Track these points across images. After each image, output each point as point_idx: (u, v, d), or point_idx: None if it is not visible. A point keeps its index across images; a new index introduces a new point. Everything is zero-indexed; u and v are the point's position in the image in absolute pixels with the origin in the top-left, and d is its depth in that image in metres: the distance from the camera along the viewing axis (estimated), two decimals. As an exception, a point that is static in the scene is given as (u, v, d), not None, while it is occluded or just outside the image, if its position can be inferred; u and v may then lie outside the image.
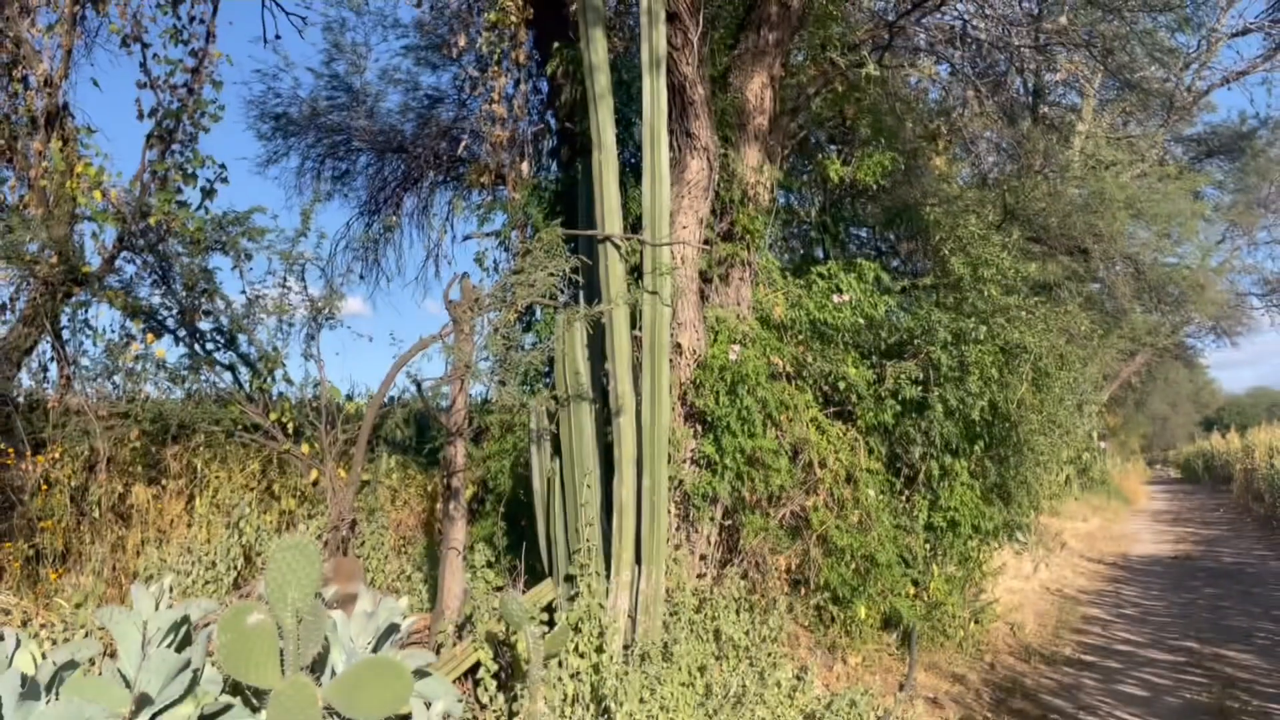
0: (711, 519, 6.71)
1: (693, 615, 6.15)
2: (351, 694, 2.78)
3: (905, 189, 10.03)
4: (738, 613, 6.62)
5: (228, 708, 2.92)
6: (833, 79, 7.79)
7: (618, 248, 5.60)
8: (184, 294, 6.55)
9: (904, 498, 8.14)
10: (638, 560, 5.56)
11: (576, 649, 4.92)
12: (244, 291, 6.65)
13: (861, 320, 7.62)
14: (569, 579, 5.32)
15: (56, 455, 5.92)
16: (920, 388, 7.58)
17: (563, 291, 5.73)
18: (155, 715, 2.80)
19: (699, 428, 6.68)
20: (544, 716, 4.21)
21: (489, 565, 5.05)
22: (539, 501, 5.61)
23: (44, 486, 5.70)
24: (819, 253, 9.13)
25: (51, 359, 6.90)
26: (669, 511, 6.47)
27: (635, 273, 5.94)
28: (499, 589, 5.00)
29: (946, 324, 7.65)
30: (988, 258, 8.29)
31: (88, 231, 7.18)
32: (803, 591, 7.38)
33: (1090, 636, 9.39)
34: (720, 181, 6.98)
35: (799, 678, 6.21)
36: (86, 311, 6.77)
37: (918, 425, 7.78)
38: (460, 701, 4.42)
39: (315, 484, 6.73)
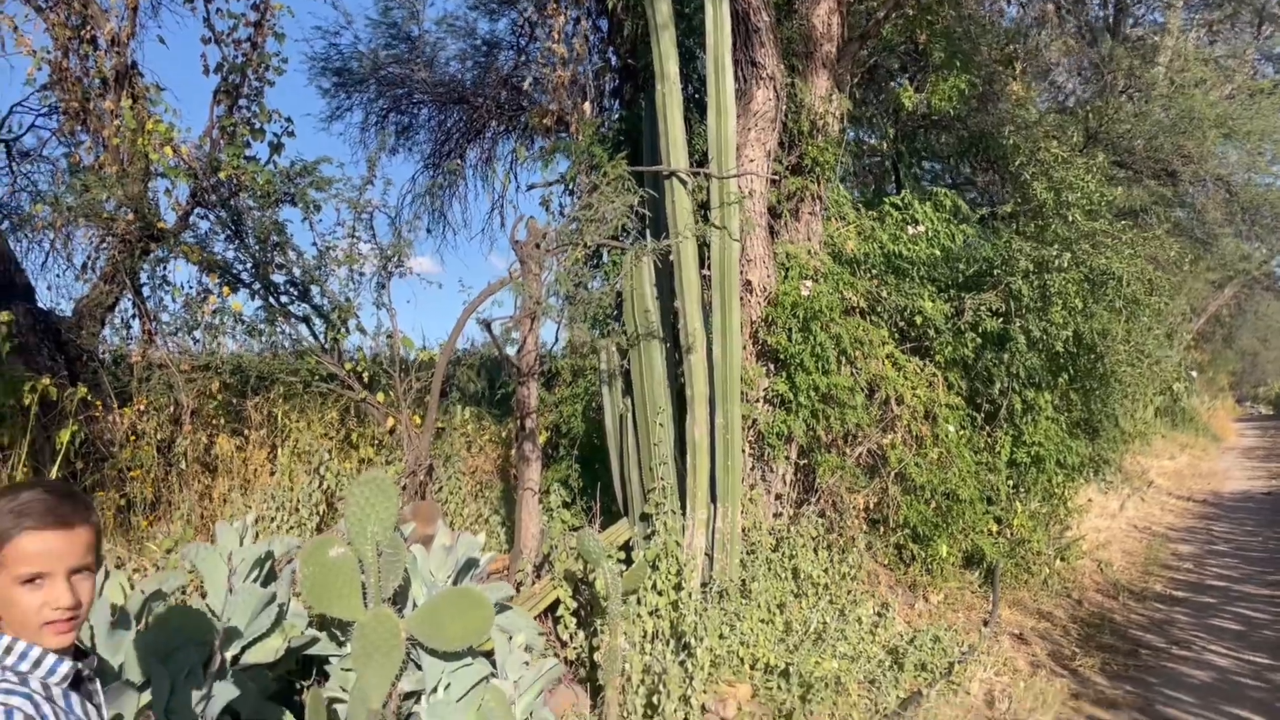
0: (786, 458, 6.62)
1: (769, 554, 6.10)
2: (433, 624, 2.78)
3: (981, 117, 9.66)
4: (815, 551, 6.56)
5: (314, 640, 2.95)
6: (904, 2, 7.48)
7: (684, 183, 5.48)
8: (257, 248, 6.63)
9: (985, 433, 7.93)
10: (713, 499, 5.51)
11: (654, 586, 4.90)
12: (314, 243, 6.70)
13: (938, 252, 7.40)
14: (644, 518, 5.30)
15: (142, 408, 6.06)
16: (1000, 320, 7.34)
17: (629, 231, 5.64)
18: (245, 647, 2.84)
19: (772, 366, 6.57)
20: (625, 651, 4.20)
21: (565, 506, 5.05)
22: (612, 442, 5.58)
23: (132, 438, 5.84)
24: (890, 188, 8.87)
25: (134, 315, 7.05)
26: (743, 450, 6.41)
27: (703, 210, 5.82)
28: (575, 529, 5.00)
29: (1028, 253, 7.37)
30: (1071, 181, 7.94)
31: (161, 188, 7.30)
32: (881, 530, 7.27)
33: (1181, 573, 9.12)
34: (788, 112, 6.78)
35: (880, 614, 6.14)
36: (165, 268, 6.90)
37: (999, 359, 7.56)
38: (541, 636, 4.45)
39: (391, 431, 6.81)
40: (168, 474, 5.82)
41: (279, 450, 6.25)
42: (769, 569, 5.97)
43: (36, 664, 1.49)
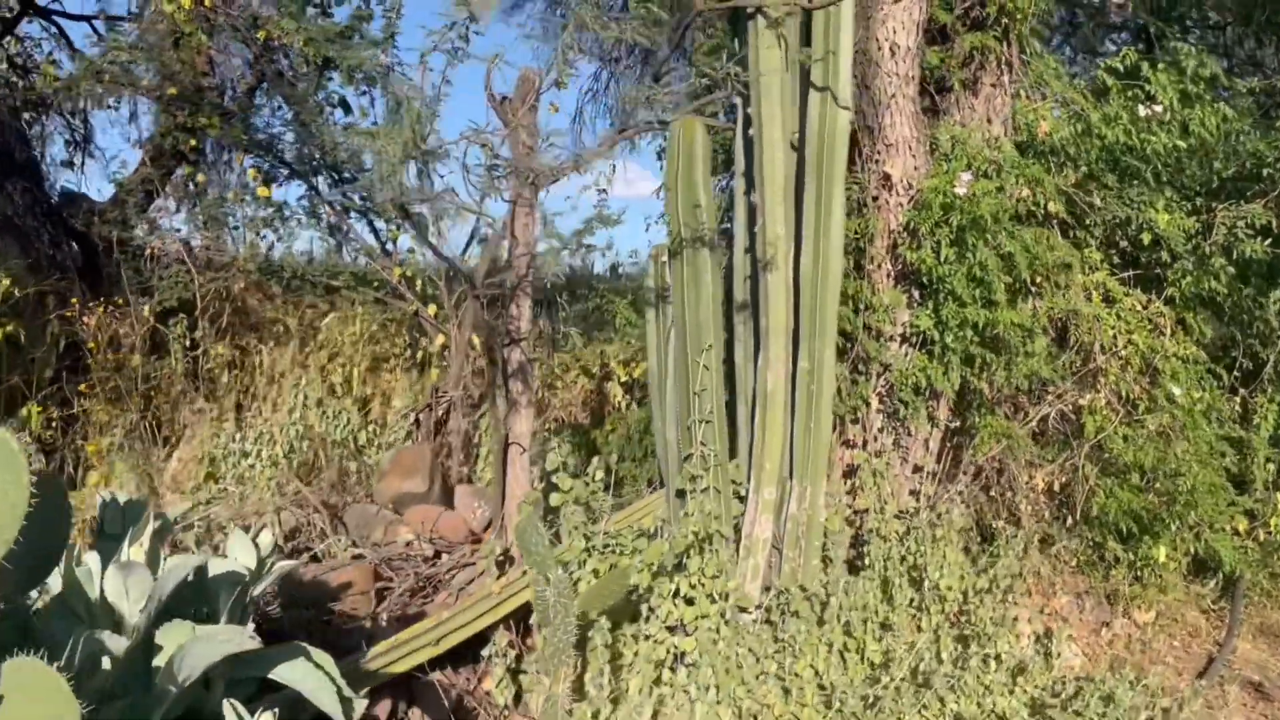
0: (931, 419, 4.90)
1: (890, 548, 4.49)
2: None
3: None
4: (966, 549, 4.87)
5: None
6: None
7: (774, 24, 3.82)
8: (299, 127, 5.58)
9: (1237, 399, 5.78)
10: (790, 473, 3.96)
11: (677, 593, 3.47)
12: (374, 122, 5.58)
13: (1182, 143, 5.26)
14: (680, 494, 3.83)
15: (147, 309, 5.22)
16: (1269, 242, 5.15)
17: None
18: None
19: (916, 293, 4.83)
20: (575, 703, 2.84)
21: (565, 468, 3.66)
22: (653, 389, 4.11)
23: (108, 345, 5.01)
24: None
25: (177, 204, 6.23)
26: (868, 403, 4.77)
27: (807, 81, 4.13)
28: (583, 504, 3.63)
29: (1323, 146, 5.10)
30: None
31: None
32: (1067, 521, 5.40)
33: None
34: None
35: (1041, 646, 4.40)
36: (207, 149, 6.01)
37: (1265, 296, 5.38)
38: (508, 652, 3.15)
39: (443, 351, 5.66)
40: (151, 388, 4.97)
41: (290, 369, 5.25)
42: (886, 567, 4.36)
43: None
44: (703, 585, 3.53)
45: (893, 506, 4.73)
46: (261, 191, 5.46)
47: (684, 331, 3.81)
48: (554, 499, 3.60)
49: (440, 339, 5.26)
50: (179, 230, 5.87)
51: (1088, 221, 5.32)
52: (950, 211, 4.50)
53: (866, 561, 4.48)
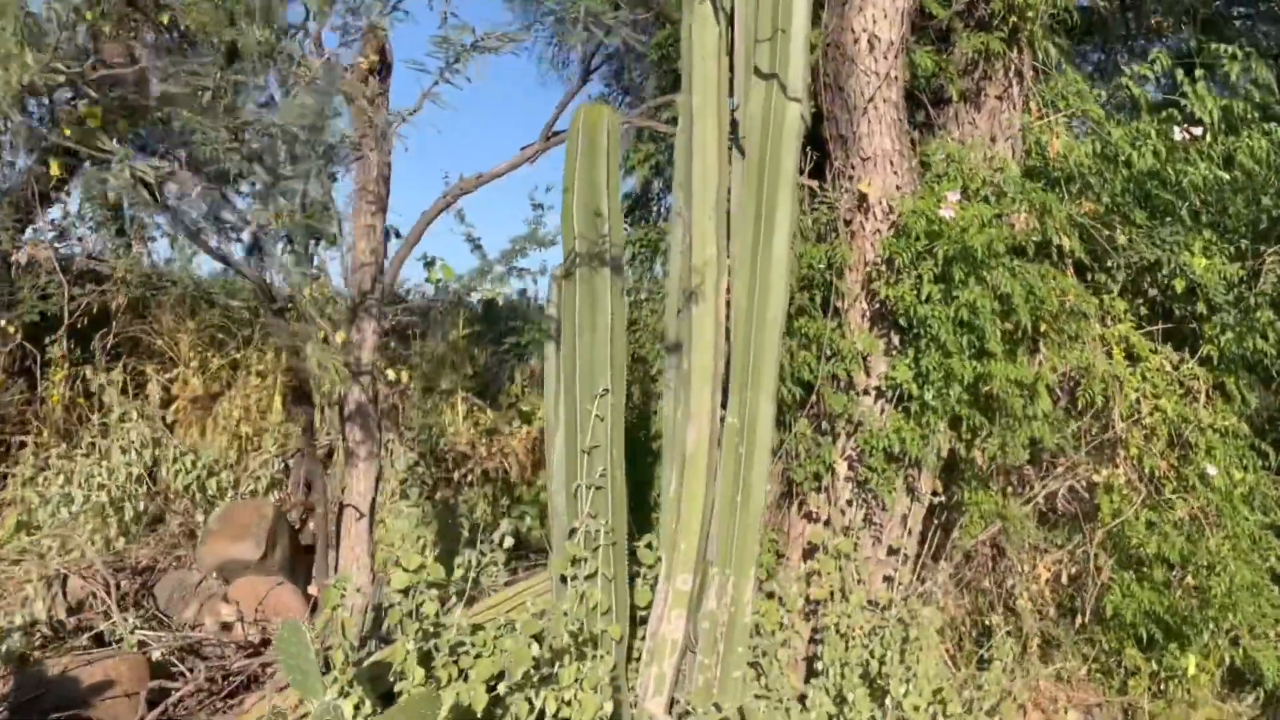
0: (911, 491, 4.05)
1: (851, 651, 3.64)
2: None
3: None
4: (958, 650, 4.05)
5: None
6: None
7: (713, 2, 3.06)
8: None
9: (1285, 482, 4.88)
10: (707, 556, 3.12)
11: (536, 714, 2.63)
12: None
13: (1224, 174, 4.42)
14: (564, 579, 2.99)
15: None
16: (1331, 294, 4.29)
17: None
18: None
19: (894, 338, 4.00)
20: None
21: (413, 542, 2.83)
22: (547, 443, 3.27)
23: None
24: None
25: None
26: (815, 469, 3.95)
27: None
28: (436, 585, 2.80)
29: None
30: None
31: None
32: (1076, 621, 4.49)
33: None
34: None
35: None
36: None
37: (1322, 360, 4.51)
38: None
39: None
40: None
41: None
42: (843, 677, 3.51)
43: None
44: (579, 704, 2.68)
45: (859, 596, 3.88)
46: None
47: (574, 372, 2.99)
48: (395, 581, 2.78)
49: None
50: (57, 236, 5.14)
51: (1109, 264, 4.48)
52: (936, 240, 3.68)
53: (820, 667, 3.64)
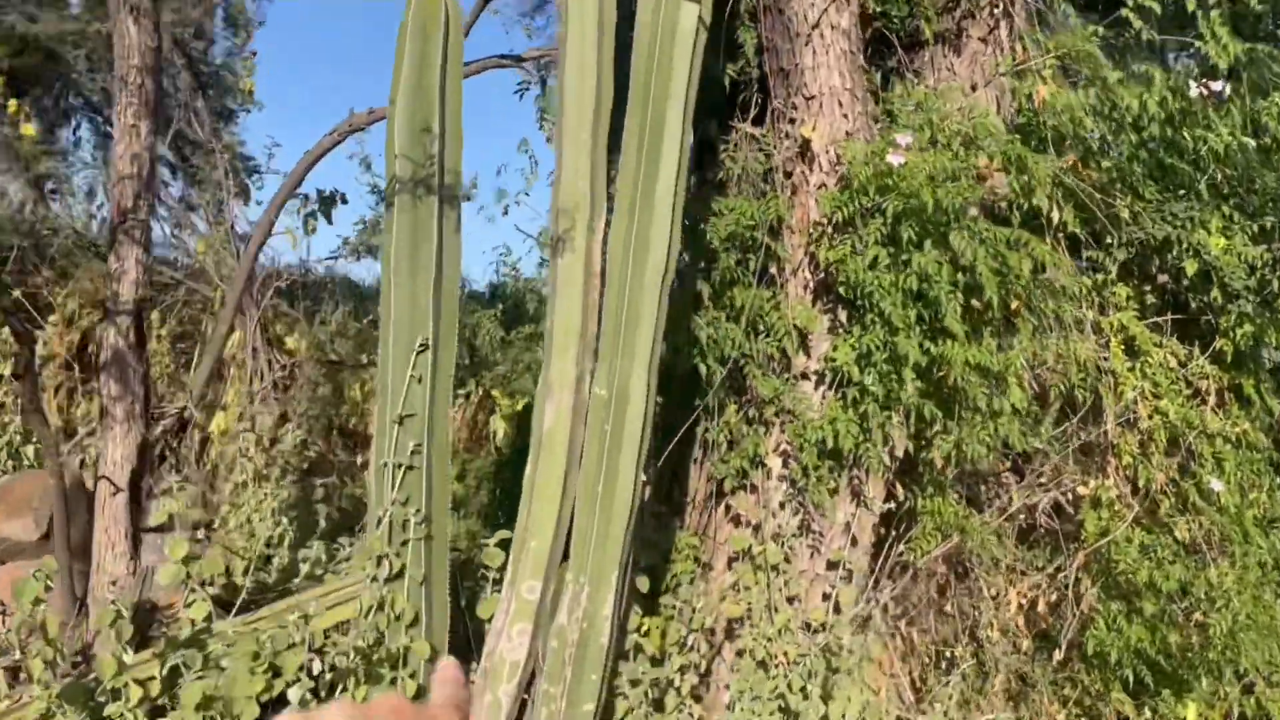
0: (856, 496, 3.44)
1: (769, 682, 3.06)
2: None
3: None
4: (919, 690, 3.48)
5: None
6: None
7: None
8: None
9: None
10: (566, 557, 2.54)
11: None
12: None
13: (1250, 141, 3.75)
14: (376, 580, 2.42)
15: None
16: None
17: None
18: None
19: (840, 312, 3.39)
20: None
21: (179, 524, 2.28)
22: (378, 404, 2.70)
23: None
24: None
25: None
26: (741, 464, 3.37)
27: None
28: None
29: None
30: None
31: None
32: (1052, 656, 3.84)
33: None
34: None
35: None
36: None
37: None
38: None
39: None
40: None
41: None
42: (750, 715, 2.92)
43: None
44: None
45: (785, 616, 3.28)
46: (26, 130, 4.24)
47: (390, 322, 2.41)
48: (161, 576, 2.22)
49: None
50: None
51: (1108, 240, 3.83)
52: (886, 195, 3.07)
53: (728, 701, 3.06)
